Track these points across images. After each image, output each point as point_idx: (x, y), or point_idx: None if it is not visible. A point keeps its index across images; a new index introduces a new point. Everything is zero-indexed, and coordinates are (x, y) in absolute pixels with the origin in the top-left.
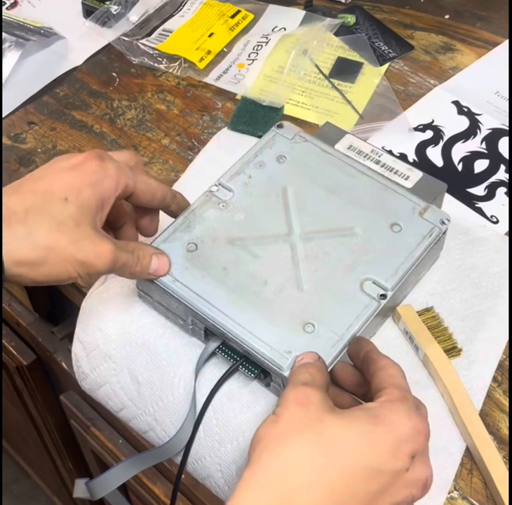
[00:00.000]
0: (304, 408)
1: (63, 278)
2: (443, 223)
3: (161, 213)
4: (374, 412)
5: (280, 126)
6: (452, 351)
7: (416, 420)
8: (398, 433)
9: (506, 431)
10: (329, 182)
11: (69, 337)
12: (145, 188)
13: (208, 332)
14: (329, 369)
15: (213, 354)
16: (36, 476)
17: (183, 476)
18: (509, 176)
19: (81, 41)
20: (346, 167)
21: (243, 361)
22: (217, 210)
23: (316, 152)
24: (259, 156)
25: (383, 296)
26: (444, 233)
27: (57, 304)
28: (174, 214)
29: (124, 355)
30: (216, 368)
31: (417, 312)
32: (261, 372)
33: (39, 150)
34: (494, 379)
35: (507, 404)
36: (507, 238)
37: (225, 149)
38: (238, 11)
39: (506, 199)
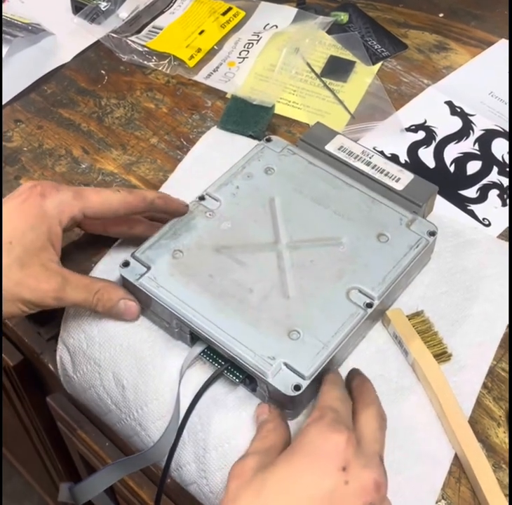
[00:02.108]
0: (237, 481)
1: (16, 315)
2: (431, 235)
3: None
4: (290, 450)
5: (268, 140)
6: (442, 356)
7: (331, 434)
8: (316, 453)
9: (495, 439)
10: (317, 193)
11: (56, 338)
12: (101, 208)
13: (194, 335)
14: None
15: (199, 358)
16: (28, 475)
17: (169, 480)
18: (509, 178)
19: (70, 37)
20: (334, 179)
21: (228, 366)
22: (203, 219)
23: (304, 165)
24: (247, 167)
25: (369, 305)
26: (432, 243)
27: None
28: (162, 220)
29: (108, 358)
30: (202, 372)
31: (407, 316)
32: (246, 377)
33: (25, 149)
34: (484, 386)
35: (497, 411)
36: (499, 240)
37: (214, 148)
38: (230, 8)
39: (499, 201)
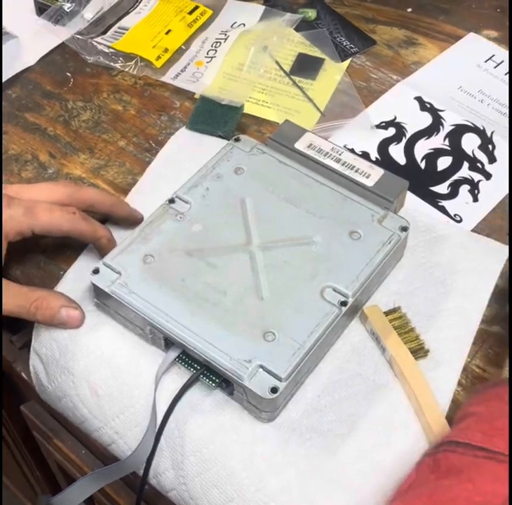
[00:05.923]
0: None
1: None
2: (403, 230)
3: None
4: None
5: (237, 139)
6: (419, 351)
7: None
8: None
9: None
10: (288, 192)
11: (29, 346)
12: (50, 228)
13: (168, 341)
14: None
15: (174, 364)
16: (9, 482)
17: (147, 487)
18: (509, 174)
19: (34, 40)
20: (304, 177)
21: (203, 370)
22: (174, 222)
23: (274, 164)
24: (217, 168)
25: (343, 303)
26: (404, 239)
27: None
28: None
29: (82, 367)
30: (177, 378)
31: (384, 312)
32: (222, 381)
33: None
34: (459, 383)
35: None
36: (472, 234)
37: (184, 149)
38: (196, 7)
39: (470, 197)
